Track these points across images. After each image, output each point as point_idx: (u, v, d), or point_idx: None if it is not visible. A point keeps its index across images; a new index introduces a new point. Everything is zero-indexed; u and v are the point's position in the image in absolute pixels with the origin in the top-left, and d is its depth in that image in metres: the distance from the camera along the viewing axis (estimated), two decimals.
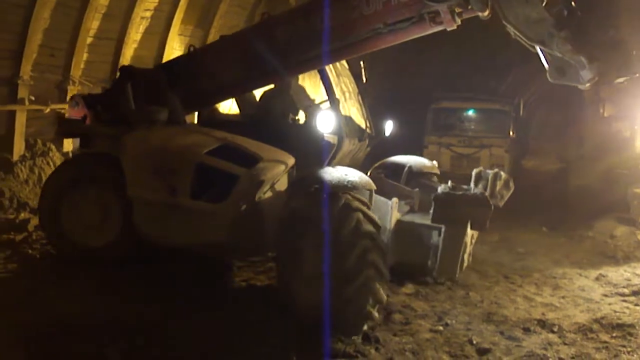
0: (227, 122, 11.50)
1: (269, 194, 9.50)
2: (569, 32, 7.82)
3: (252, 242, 9.53)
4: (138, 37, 17.61)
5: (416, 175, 11.12)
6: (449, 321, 9.41)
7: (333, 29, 9.56)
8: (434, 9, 8.70)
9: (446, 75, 24.20)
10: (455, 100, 21.33)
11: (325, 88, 10.87)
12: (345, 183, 8.75)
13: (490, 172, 10.26)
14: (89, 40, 16.25)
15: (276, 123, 11.27)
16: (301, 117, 11.59)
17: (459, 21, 8.80)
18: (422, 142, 21.11)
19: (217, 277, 10.74)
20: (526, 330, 9.29)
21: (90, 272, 10.06)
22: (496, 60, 22.98)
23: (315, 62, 10.33)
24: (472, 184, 10.54)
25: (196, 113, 12.36)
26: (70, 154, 14.94)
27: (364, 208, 8.71)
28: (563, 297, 10.92)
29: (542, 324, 9.54)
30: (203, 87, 11.07)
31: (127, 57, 17.09)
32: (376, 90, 27.86)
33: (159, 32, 17.93)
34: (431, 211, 9.84)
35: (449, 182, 10.15)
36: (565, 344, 8.89)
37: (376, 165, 11.27)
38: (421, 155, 20.33)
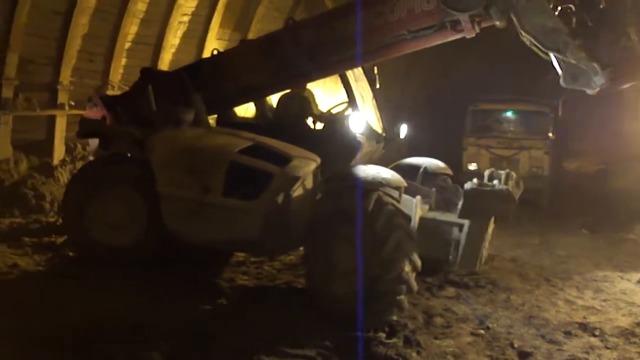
0: (244, 124, 11.55)
1: (298, 192, 9.65)
2: (583, 40, 8.25)
3: (282, 239, 9.68)
4: (176, 41, 17.69)
5: (431, 176, 11.24)
6: (490, 325, 9.35)
7: (358, 35, 9.78)
8: (455, 17, 9.03)
9: (483, 76, 24.12)
10: (494, 102, 21.21)
11: (347, 91, 11.00)
12: (380, 180, 9.19)
13: (502, 172, 10.40)
14: (127, 45, 16.37)
15: (294, 125, 11.43)
16: (319, 119, 11.72)
17: (478, 29, 9.15)
18: (460, 144, 21.02)
19: (257, 278, 10.75)
20: (567, 333, 9.22)
21: (129, 273, 10.12)
22: (532, 60, 22.81)
23: (338, 66, 10.57)
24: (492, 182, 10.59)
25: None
26: (91, 156, 14.93)
27: (396, 202, 9.10)
28: (604, 301, 10.82)
29: (584, 327, 9.46)
30: (226, 89, 11.11)
31: (165, 61, 17.17)
32: (415, 93, 27.98)
33: (197, 37, 18.00)
34: (459, 205, 10.03)
35: (475, 180, 10.33)
36: (607, 347, 8.81)
37: (391, 166, 11.30)
38: (460, 157, 20.41)
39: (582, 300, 10.76)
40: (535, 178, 20.18)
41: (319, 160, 10.19)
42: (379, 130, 11.42)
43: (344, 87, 11.05)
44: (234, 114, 12.25)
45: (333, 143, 10.65)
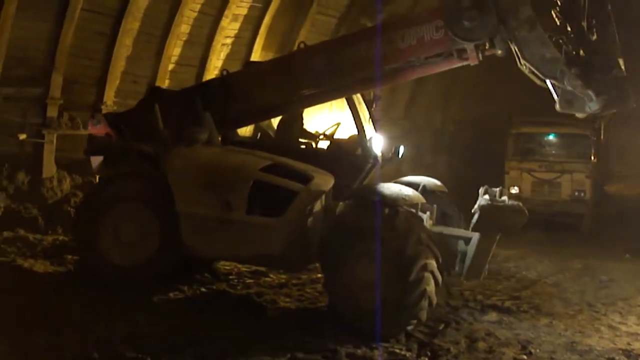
0: (247, 143, 11.84)
1: (317, 208, 9.99)
2: (579, 69, 8.96)
3: (302, 254, 10.05)
4: (219, 63, 17.77)
5: (429, 193, 11.29)
6: (532, 350, 9.29)
7: (369, 60, 10.19)
8: (462, 46, 9.61)
9: (523, 99, 23.99)
10: (535, 124, 21.04)
11: (352, 113, 11.16)
12: (404, 197, 9.68)
13: (497, 190, 10.55)
14: (171, 67, 16.49)
15: (297, 145, 11.88)
16: (322, 140, 12.21)
17: (481, 57, 9.77)
18: (502, 168, 20.91)
19: (299, 301, 10.77)
20: None
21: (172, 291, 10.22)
22: None
23: (349, 89, 10.90)
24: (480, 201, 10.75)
25: None
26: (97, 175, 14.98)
27: (421, 221, 9.78)
28: None
29: (628, 354, 9.38)
30: (235, 110, 11.29)
31: None
32: (455, 118, 27.95)
33: (240, 59, 18.07)
34: (474, 220, 10.16)
35: (487, 196, 10.46)
36: None
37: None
38: (502, 180, 20.29)
39: (625, 327, 10.64)
40: (577, 202, 20.04)
41: (333, 179, 10.38)
42: (377, 151, 11.46)
43: (350, 108, 11.20)
44: (236, 133, 12.39)
45: (339, 162, 10.87)
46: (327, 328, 9.38)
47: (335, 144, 11.59)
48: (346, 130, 11.93)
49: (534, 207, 20.09)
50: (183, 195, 10.21)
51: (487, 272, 10.98)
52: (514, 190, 20.39)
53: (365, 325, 9.16)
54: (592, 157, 20.58)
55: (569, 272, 14.24)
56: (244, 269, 12.43)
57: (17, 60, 13.48)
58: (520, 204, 10.35)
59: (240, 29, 18.01)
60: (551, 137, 21.38)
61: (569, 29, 9.49)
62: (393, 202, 9.51)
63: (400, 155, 11.34)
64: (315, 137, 12.32)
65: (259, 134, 12.77)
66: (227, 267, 12.44)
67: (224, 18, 17.03)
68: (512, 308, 10.98)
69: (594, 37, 9.41)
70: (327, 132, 12.37)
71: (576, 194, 20.24)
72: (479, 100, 26.24)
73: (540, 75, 9.28)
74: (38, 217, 13.88)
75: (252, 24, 18.17)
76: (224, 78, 11.67)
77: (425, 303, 9.27)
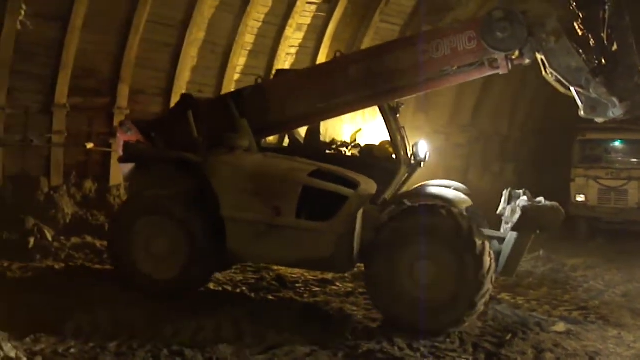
0: (277, 150, 12.17)
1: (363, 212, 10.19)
2: (603, 78, 9.58)
3: (349, 256, 10.14)
4: None
5: None
6: None
7: (404, 69, 10.55)
8: (494, 56, 10.12)
9: None
10: (601, 131, 20.65)
11: (385, 119, 11.21)
12: (461, 200, 10.46)
13: (520, 192, 11.01)
14: (236, 76, 16.64)
15: (326, 151, 11.99)
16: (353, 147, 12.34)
17: (511, 66, 10.26)
18: (569, 175, 20.65)
19: (365, 309, 10.75)
20: None
21: (233, 300, 10.28)
22: None
23: (384, 97, 11.01)
24: (504, 204, 11.27)
25: None
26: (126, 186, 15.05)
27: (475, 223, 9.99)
28: None
29: None
30: (269, 117, 11.37)
31: None
32: (522, 125, 27.73)
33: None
34: (515, 219, 10.39)
35: (525, 195, 10.83)
36: None
37: (413, 188, 11.44)
38: (568, 188, 20.04)
39: None
40: None
41: (375, 183, 10.58)
42: (407, 156, 11.47)
43: (382, 115, 11.25)
44: (262, 140, 12.36)
45: (371, 168, 10.95)
46: (395, 336, 9.35)
47: (367, 150, 11.74)
48: (378, 137, 11.97)
49: (601, 215, 19.89)
50: (229, 201, 10.36)
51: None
52: (580, 198, 20.14)
53: (421, 325, 9.47)
54: None
55: (638, 282, 13.97)
56: (310, 277, 12.48)
57: (85, 72, 13.76)
58: (557, 203, 10.59)
59: (304, 39, 18.13)
60: (618, 143, 21.01)
61: (591, 39, 10.01)
62: (456, 205, 10.19)
63: (423, 155, 11.30)
64: (348, 143, 12.53)
65: (288, 141, 12.89)
66: (294, 276, 12.50)
67: (287, 27, 17.15)
68: (580, 319, 10.82)
69: (614, 48, 9.92)
70: (350, 139, 12.70)
71: None
72: (544, 106, 25.98)
73: (566, 84, 9.86)
74: (105, 225, 14.07)
75: (316, 33, 18.28)
76: (258, 86, 11.76)
77: (485, 304, 9.74)
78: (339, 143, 12.58)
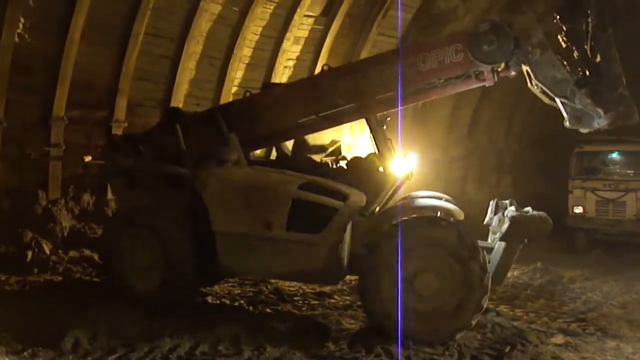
0: (264, 163, 12.11)
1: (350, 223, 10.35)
2: (588, 89, 9.85)
3: (339, 268, 10.28)
4: None
5: None
6: None
7: (391, 82, 10.61)
8: (480, 69, 10.31)
9: None
10: (599, 142, 20.67)
11: (372, 132, 11.15)
12: (458, 212, 10.82)
13: (506, 202, 11.30)
14: (234, 89, 16.65)
15: (314, 164, 11.87)
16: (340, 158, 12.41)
17: (497, 79, 10.46)
18: (566, 186, 20.66)
19: (363, 322, 10.74)
20: None
21: (234, 312, 10.27)
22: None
23: (372, 109, 11.03)
24: (491, 214, 11.55)
25: None
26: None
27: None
28: None
29: None
30: (259, 131, 11.43)
31: None
32: (519, 136, 27.78)
33: None
34: (503, 228, 10.63)
35: (512, 206, 11.07)
36: None
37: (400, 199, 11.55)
38: (566, 200, 20.08)
39: None
40: None
41: (364, 195, 10.62)
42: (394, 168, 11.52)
43: (370, 128, 11.20)
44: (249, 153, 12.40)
45: (358, 180, 10.94)
46: (393, 348, 9.34)
47: (354, 162, 11.69)
48: (365, 149, 12.01)
49: (599, 226, 19.89)
50: (220, 215, 10.44)
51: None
52: (578, 210, 20.15)
53: (420, 334, 9.63)
54: None
55: (636, 294, 13.97)
56: (308, 290, 12.48)
57: (83, 84, 13.74)
58: (545, 213, 10.79)
59: (302, 51, 18.17)
60: (615, 155, 21.05)
61: (575, 51, 10.21)
62: (455, 215, 10.79)
63: (413, 167, 11.33)
64: (337, 154, 12.72)
65: (275, 154, 12.91)
66: (292, 289, 12.49)
67: (285, 41, 17.19)
68: (578, 330, 10.82)
69: (598, 59, 10.14)
70: (331, 151, 12.84)
71: None
72: (541, 118, 26.05)
73: (552, 95, 10.13)
74: None
75: (313, 46, 18.33)
76: (246, 100, 11.78)
77: (478, 315, 9.91)
78: (326, 155, 12.67)
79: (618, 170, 21.04)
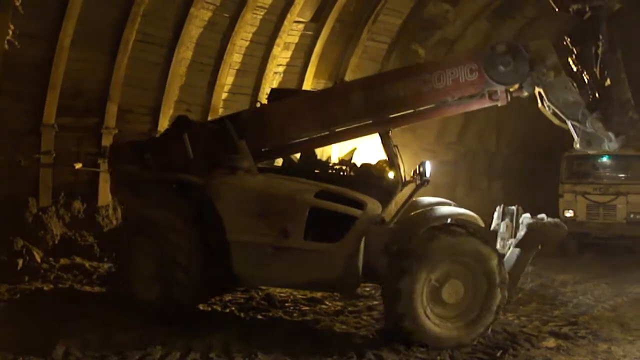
0: (271, 170, 11.91)
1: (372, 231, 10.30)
2: (600, 113, 10.05)
3: (356, 276, 10.20)
4: None
5: None
6: None
7: (405, 98, 10.61)
8: (494, 88, 10.36)
9: None
10: None
11: (382, 141, 11.05)
12: (477, 217, 10.88)
13: (514, 208, 11.46)
14: (224, 95, 16.67)
15: (322, 171, 11.81)
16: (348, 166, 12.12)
17: (510, 99, 10.51)
18: (556, 191, 20.71)
19: (355, 327, 10.74)
20: None
21: (224, 319, 10.25)
22: None
23: (385, 126, 11.04)
24: (498, 220, 11.63)
25: None
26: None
27: None
28: None
29: None
30: (269, 142, 11.30)
31: None
32: (509, 141, 27.82)
33: (292, 87, 18.17)
34: (520, 236, 10.69)
35: (528, 215, 11.07)
36: None
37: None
38: (557, 204, 20.13)
39: None
40: (633, 224, 19.74)
41: (379, 203, 10.56)
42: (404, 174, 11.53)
43: (380, 137, 11.09)
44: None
45: (368, 187, 10.85)
46: (385, 354, 9.34)
47: (364, 169, 11.65)
48: (374, 156, 11.96)
49: (589, 230, 19.95)
50: (235, 224, 10.26)
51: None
52: (569, 213, 20.20)
53: (445, 342, 9.71)
54: None
55: (627, 297, 14.00)
56: (299, 296, 12.46)
57: (73, 91, 13.78)
58: (559, 220, 10.94)
59: (292, 57, 18.20)
60: (605, 159, 21.08)
61: (585, 74, 10.39)
62: (477, 222, 10.86)
63: (428, 174, 11.33)
64: (346, 162, 12.34)
65: (282, 160, 12.73)
66: (282, 295, 12.47)
67: (275, 46, 17.23)
68: (570, 334, 10.81)
69: (607, 82, 10.31)
70: (345, 158, 12.68)
71: (632, 216, 19.95)
72: (531, 122, 26.08)
73: (563, 117, 10.27)
74: (94, 245, 14.09)
75: (303, 51, 18.35)
76: (257, 110, 11.75)
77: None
78: (335, 162, 12.51)
79: (608, 173, 21.07)
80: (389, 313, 9.97)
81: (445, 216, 10.44)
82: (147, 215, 10.70)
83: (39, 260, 12.98)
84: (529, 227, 10.48)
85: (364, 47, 19.78)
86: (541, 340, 10.44)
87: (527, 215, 10.96)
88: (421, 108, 10.80)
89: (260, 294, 12.29)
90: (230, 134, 10.89)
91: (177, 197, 10.98)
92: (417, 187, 10.79)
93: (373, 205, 10.35)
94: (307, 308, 11.83)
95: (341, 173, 11.73)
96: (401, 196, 10.92)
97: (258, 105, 11.91)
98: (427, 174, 10.98)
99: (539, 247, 10.75)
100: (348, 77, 19.41)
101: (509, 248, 10.93)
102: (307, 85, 18.29)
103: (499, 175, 27.11)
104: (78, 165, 14.19)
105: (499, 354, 9.62)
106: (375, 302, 11.91)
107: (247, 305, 11.69)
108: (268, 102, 11.84)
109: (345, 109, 10.86)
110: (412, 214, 10.78)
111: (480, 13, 22.54)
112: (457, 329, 9.78)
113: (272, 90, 13.39)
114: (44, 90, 13.30)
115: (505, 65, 10.08)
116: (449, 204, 11.52)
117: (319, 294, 12.36)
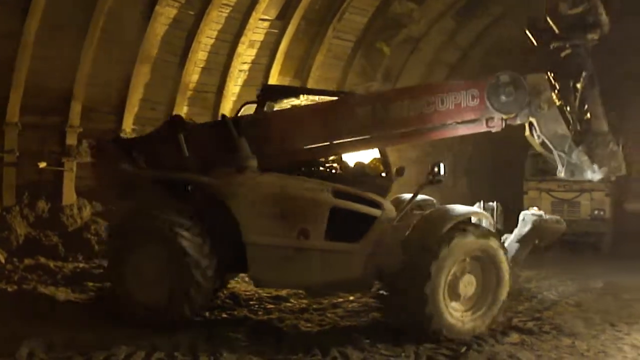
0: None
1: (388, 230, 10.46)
2: (585, 146, 10.57)
3: (374, 275, 10.33)
4: (237, 89, 17.89)
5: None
6: None
7: (409, 118, 10.79)
8: (492, 115, 10.57)
9: None
10: None
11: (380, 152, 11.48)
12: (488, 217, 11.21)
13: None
14: (189, 93, 16.61)
15: (321, 169, 11.69)
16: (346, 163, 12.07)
17: (504, 125, 10.71)
18: (521, 188, 20.86)
19: (319, 325, 10.76)
20: None
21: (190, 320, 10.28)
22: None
23: (386, 142, 11.50)
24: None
25: None
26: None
27: None
28: None
29: None
30: (269, 149, 11.02)
31: (226, 109, 17.20)
32: (475, 139, 27.87)
33: (257, 84, 17.94)
34: (524, 232, 11.39)
35: (531, 212, 11.78)
36: None
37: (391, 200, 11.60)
38: (522, 201, 20.26)
39: None
40: (597, 221, 19.96)
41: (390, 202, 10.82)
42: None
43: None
44: None
45: (362, 185, 10.93)
46: (349, 351, 9.37)
47: (358, 167, 11.63)
48: (364, 154, 11.95)
49: None
50: (253, 225, 10.14)
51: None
52: (533, 210, 20.30)
53: (459, 334, 10.01)
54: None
55: (591, 292, 14.13)
56: (264, 294, 12.43)
57: (36, 90, 13.65)
58: (560, 217, 11.75)
59: (257, 55, 18.19)
60: None
61: (567, 107, 10.83)
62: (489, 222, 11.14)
63: (443, 174, 11.37)
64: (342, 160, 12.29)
65: None
66: (247, 293, 12.46)
67: (240, 44, 17.21)
68: (534, 329, 10.86)
69: (587, 116, 10.94)
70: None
71: (596, 212, 20.18)
72: None
73: (551, 147, 10.68)
74: (58, 245, 14.01)
75: (268, 49, 18.34)
76: (259, 117, 11.58)
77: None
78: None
79: None
80: (409, 315, 9.92)
81: (464, 214, 10.53)
82: (150, 215, 10.30)
83: (2, 260, 12.89)
84: (534, 223, 11.14)
85: (329, 45, 19.81)
86: (505, 335, 10.48)
87: (527, 211, 11.52)
88: (423, 129, 10.95)
89: (225, 292, 12.23)
90: (229, 133, 10.73)
91: (173, 197, 10.88)
92: (423, 186, 10.88)
93: (389, 205, 10.67)
94: (272, 306, 11.82)
95: (333, 171, 11.60)
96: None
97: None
98: (442, 174, 11.06)
99: (536, 242, 11.34)
100: (313, 75, 19.46)
101: (503, 242, 11.13)
102: (272, 82, 18.23)
103: (464, 173, 27.21)
104: (42, 164, 14.10)
105: (463, 350, 9.64)
106: (340, 300, 11.96)
107: (212, 304, 11.63)
108: (259, 98, 11.61)
109: (349, 123, 10.91)
110: (427, 212, 10.76)
111: (446, 12, 22.64)
112: (474, 320, 10.16)
113: (265, 86, 13.38)
114: (7, 88, 13.20)
115: (508, 96, 10.39)
116: (432, 200, 11.83)
117: (283, 292, 12.34)
